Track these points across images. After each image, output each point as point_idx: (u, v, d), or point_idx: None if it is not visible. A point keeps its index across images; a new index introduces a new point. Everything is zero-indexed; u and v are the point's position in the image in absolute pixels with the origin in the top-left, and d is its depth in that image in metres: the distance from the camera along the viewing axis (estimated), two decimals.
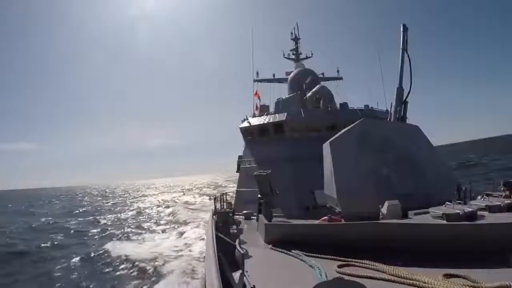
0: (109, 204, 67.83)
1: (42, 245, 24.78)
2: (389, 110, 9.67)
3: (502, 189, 8.09)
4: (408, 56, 8.95)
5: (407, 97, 9.04)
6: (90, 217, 43.43)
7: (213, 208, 11.16)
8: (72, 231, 31.99)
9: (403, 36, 9.07)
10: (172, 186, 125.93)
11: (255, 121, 16.13)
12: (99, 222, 38.56)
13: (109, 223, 36.99)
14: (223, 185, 78.90)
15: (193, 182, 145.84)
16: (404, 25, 9.11)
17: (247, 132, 16.58)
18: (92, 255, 20.58)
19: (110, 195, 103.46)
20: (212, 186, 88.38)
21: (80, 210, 55.74)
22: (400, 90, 9.06)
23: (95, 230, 31.90)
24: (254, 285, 3.93)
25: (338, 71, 21.93)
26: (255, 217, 10.52)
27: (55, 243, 25.79)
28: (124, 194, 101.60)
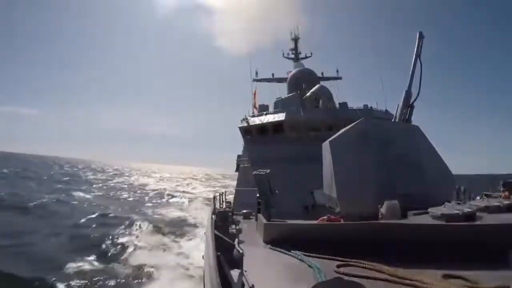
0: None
1: None
2: (395, 112, 9.75)
3: (501, 189, 8.12)
4: (420, 62, 9.08)
5: (414, 101, 9.12)
6: None
7: (212, 207, 11.14)
8: None
9: (418, 43, 9.20)
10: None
11: (254, 120, 16.10)
12: None
13: None
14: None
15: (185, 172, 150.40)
16: (420, 33, 9.28)
17: (247, 132, 16.55)
18: None
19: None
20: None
21: None
22: (408, 93, 9.13)
23: None
24: (253, 285, 3.91)
25: (337, 71, 21.99)
26: (254, 217, 10.50)
27: None
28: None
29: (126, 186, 59.82)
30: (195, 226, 23.44)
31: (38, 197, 31.65)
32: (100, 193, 43.53)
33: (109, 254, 15.99)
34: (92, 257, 14.94)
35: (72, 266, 13.47)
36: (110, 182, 66.18)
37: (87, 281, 12.25)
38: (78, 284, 12.00)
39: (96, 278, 12.58)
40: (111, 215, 26.10)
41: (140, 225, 22.36)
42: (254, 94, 19.08)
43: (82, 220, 23.34)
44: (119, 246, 17.10)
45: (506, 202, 6.44)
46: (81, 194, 39.41)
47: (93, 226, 21.73)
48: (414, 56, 9.15)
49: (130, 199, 41.18)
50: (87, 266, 13.82)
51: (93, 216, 24.84)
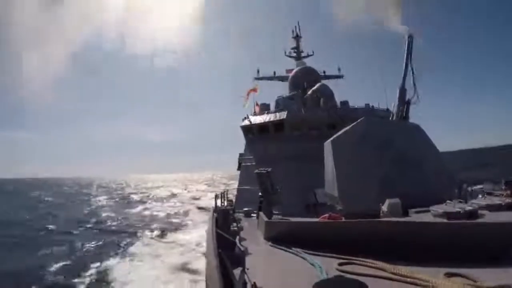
0: None
1: None
2: (391, 109, 9.77)
3: (503, 187, 8.09)
4: (411, 57, 9.08)
5: (412, 97, 9.12)
6: None
7: (214, 205, 11.17)
8: None
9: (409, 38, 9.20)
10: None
11: (256, 119, 16.13)
12: None
13: None
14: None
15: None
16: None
17: (248, 131, 16.61)
18: None
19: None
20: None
21: None
22: (403, 90, 9.12)
23: None
24: (254, 282, 3.92)
25: (339, 69, 21.93)
26: (255, 215, 10.53)
27: None
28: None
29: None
30: None
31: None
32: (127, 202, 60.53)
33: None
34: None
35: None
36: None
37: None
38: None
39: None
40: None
41: None
42: (255, 90, 18.47)
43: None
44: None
45: (508, 200, 6.42)
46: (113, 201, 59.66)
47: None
48: (405, 52, 9.17)
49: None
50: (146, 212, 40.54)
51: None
